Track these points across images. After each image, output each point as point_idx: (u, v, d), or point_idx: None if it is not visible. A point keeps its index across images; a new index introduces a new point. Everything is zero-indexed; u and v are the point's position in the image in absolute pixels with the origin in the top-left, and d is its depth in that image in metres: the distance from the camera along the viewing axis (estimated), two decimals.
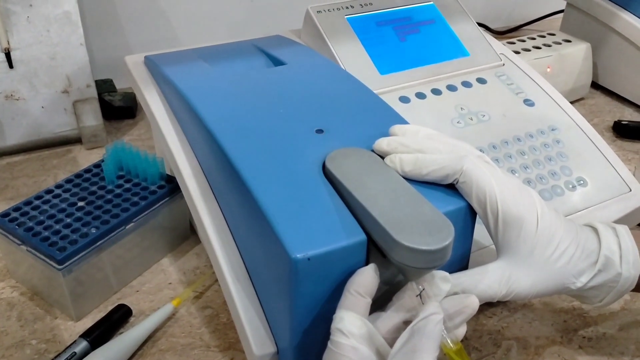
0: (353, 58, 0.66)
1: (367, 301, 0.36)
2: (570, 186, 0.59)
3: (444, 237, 0.36)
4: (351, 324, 0.35)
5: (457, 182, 0.41)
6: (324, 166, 0.43)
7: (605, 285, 0.42)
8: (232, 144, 0.45)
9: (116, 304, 0.53)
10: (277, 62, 0.62)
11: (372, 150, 0.45)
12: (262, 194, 0.41)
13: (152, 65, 0.63)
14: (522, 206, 0.41)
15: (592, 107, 0.91)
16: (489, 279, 0.40)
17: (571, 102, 0.90)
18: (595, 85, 0.95)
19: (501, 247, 0.42)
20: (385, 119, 0.50)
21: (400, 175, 0.42)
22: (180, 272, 0.58)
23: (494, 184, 0.40)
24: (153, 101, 0.60)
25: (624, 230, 0.43)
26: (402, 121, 0.49)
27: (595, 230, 0.43)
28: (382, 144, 0.44)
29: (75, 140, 0.79)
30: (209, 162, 0.50)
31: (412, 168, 0.42)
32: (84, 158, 0.77)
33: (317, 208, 0.40)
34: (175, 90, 0.55)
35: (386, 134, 0.46)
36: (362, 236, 0.38)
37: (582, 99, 0.92)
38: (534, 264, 0.41)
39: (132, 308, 0.53)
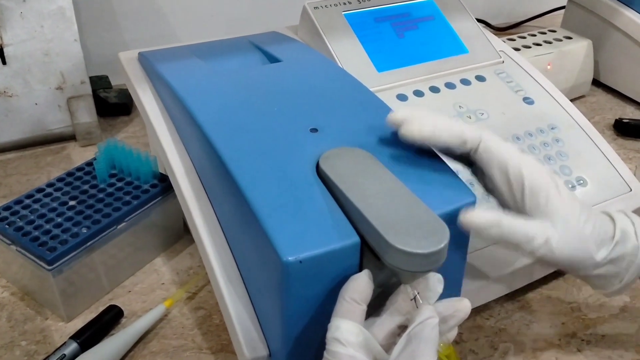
0: (350, 55, 0.65)
1: (363, 308, 0.35)
2: (570, 186, 0.58)
3: (438, 239, 0.35)
4: (348, 332, 0.34)
5: (474, 152, 0.41)
6: (317, 166, 0.42)
7: (625, 259, 0.42)
8: (224, 142, 0.44)
9: (107, 305, 0.52)
10: (272, 59, 0.61)
11: (387, 122, 0.44)
12: (253, 195, 0.40)
13: (146, 61, 0.62)
14: (544, 174, 0.41)
15: (593, 104, 0.90)
16: (532, 224, 0.41)
17: (572, 100, 0.89)
18: (596, 82, 0.93)
19: (530, 214, 0.42)
20: (382, 117, 0.49)
21: (417, 139, 0.42)
22: (174, 272, 0.57)
23: (514, 153, 0.41)
24: (146, 98, 0.59)
25: (632, 213, 0.44)
26: None
27: (605, 213, 0.44)
28: (396, 114, 0.43)
29: (70, 137, 0.78)
30: (202, 161, 0.50)
31: (430, 132, 0.41)
32: (78, 155, 0.76)
33: (309, 209, 0.39)
34: (168, 87, 0.54)
35: (382, 132, 0.45)
36: (356, 238, 0.37)
37: (582, 96, 0.91)
38: (566, 226, 0.41)
39: (123, 309, 0.52)
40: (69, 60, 0.75)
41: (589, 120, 0.65)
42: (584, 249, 0.41)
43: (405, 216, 0.37)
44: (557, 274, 0.56)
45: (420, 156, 0.45)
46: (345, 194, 0.39)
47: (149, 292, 0.55)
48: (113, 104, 0.85)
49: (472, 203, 0.42)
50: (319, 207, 0.39)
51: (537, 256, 0.41)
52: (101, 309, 0.52)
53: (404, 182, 0.40)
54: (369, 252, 0.38)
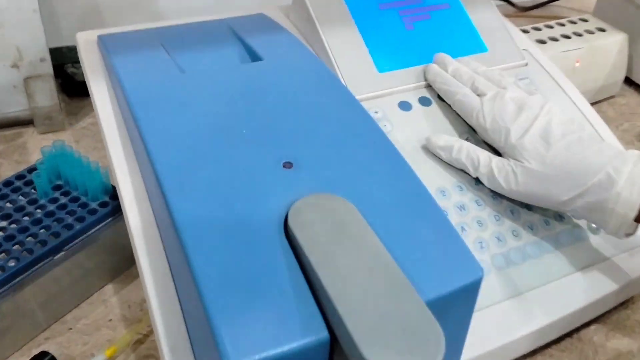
0: (347, 49, 0.55)
1: None
2: None
3: (430, 354, 0.27)
4: None
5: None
6: (286, 220, 0.33)
7: (608, 204, 0.41)
8: (174, 183, 0.35)
9: (39, 351, 0.44)
10: (252, 55, 0.51)
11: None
12: (200, 264, 0.31)
13: (105, 48, 0.52)
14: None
15: (623, 107, 0.80)
16: (481, 153, 0.47)
17: (600, 101, 0.79)
18: (628, 80, 0.83)
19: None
20: (373, 148, 0.40)
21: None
22: (124, 304, 0.49)
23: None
24: (99, 95, 0.50)
25: None
26: (393, 149, 0.39)
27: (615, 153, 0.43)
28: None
29: (28, 122, 0.69)
30: (151, 189, 0.41)
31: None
32: (36, 144, 0.67)
33: (269, 289, 0.30)
34: (121, 89, 0.45)
35: (370, 168, 0.37)
36: (324, 333, 0.29)
37: (612, 97, 0.81)
38: (524, 163, 0.44)
39: (60, 353, 0.44)
40: (26, 33, 0.66)
41: (617, 127, 0.56)
42: (541, 187, 0.43)
43: (387, 311, 0.28)
44: (570, 333, 0.48)
45: (416, 203, 0.36)
46: (314, 269, 0.30)
47: (93, 330, 0.47)
48: (81, 82, 0.75)
49: (478, 280, 0.33)
50: (281, 287, 0.30)
51: (487, 185, 0.46)
52: (34, 351, 0.44)
53: (393, 246, 0.32)
54: (340, 348, 0.29)
